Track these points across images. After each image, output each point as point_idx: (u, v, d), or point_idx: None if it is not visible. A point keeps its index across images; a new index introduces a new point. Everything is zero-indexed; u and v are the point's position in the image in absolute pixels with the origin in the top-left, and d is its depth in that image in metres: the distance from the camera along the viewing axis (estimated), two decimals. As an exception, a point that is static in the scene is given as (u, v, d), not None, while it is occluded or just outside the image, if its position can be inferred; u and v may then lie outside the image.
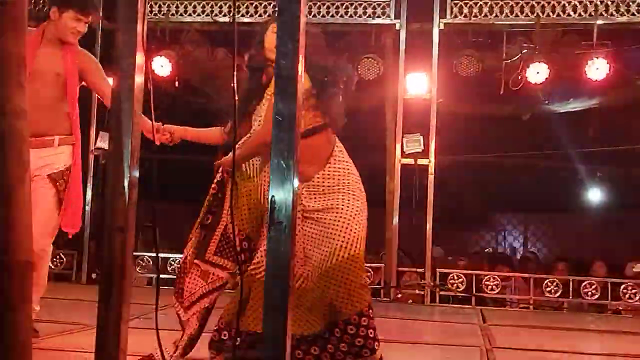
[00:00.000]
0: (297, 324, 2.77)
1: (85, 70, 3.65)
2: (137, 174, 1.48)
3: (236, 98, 2.38)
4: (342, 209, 2.91)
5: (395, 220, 6.57)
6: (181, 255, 3.10)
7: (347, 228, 2.88)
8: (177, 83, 6.89)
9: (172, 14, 6.88)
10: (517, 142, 8.87)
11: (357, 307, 2.80)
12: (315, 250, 2.89)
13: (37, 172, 3.43)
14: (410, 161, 6.58)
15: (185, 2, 6.85)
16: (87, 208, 6.69)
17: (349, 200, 2.94)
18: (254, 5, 6.81)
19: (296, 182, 1.54)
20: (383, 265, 6.64)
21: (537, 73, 6.45)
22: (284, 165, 1.52)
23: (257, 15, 6.77)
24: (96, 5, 3.64)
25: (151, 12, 6.83)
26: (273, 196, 1.52)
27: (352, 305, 2.80)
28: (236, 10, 6.82)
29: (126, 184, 1.45)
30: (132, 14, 1.47)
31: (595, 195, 10.56)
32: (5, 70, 1.19)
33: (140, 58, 1.45)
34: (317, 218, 2.91)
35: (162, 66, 6.68)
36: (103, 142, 6.58)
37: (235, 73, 2.24)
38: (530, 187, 10.00)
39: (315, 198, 2.94)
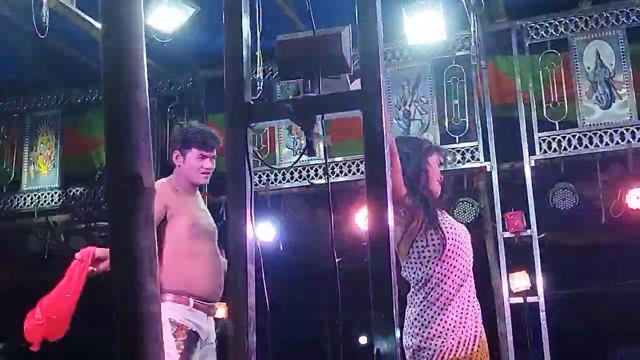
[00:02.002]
0: None
1: None
2: (254, 339, 1.65)
3: (337, 260, 2.52)
4: None
5: (512, 363, 6.40)
6: None
7: None
8: (281, 246, 7.17)
9: (272, 182, 7.29)
10: (628, 270, 8.59)
11: None
12: None
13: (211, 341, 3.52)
14: (519, 300, 6.49)
15: (283, 170, 7.26)
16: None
17: None
18: (347, 164, 7.15)
19: (398, 334, 1.66)
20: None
21: (638, 198, 6.39)
22: (386, 319, 1.65)
23: (350, 173, 7.10)
24: (217, 137, 3.66)
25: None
26: (378, 349, 1.64)
27: None
28: (330, 171, 7.17)
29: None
30: (240, 199, 1.70)
31: None
32: (139, 262, 1.41)
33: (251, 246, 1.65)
34: None
35: (266, 232, 7.02)
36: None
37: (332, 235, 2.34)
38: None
39: None
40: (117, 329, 1.43)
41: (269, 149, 7.35)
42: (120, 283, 1.44)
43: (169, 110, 7.77)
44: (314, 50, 1.82)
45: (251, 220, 1.72)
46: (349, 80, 1.92)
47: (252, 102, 1.83)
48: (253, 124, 1.84)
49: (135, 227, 1.44)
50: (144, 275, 1.41)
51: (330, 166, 7.19)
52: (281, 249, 7.19)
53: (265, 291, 1.84)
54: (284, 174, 7.31)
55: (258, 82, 6.43)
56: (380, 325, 1.62)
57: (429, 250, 3.09)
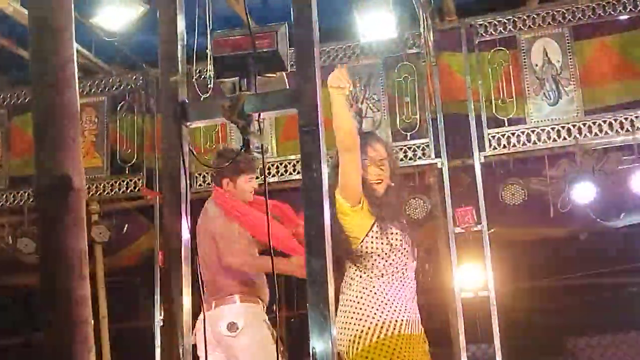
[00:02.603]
0: None
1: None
2: (189, 340, 1.64)
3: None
4: None
5: (463, 358, 6.48)
6: None
7: None
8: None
9: (209, 184, 7.24)
10: (579, 262, 8.76)
11: None
12: None
13: None
14: (471, 294, 6.57)
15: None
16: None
17: None
18: (283, 165, 7.16)
19: (334, 332, 1.66)
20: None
21: (584, 192, 6.51)
22: (321, 317, 1.65)
23: (287, 174, 7.12)
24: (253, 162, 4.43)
25: (191, 186, 7.28)
26: (314, 347, 1.64)
27: None
28: (284, 169, 7.17)
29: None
30: (175, 199, 1.68)
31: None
32: (69, 265, 1.38)
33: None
34: None
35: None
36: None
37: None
38: (600, 308, 9.73)
39: None
40: (47, 332, 1.40)
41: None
42: (49, 286, 1.42)
43: (119, 109, 7.68)
44: (249, 48, 1.82)
45: (186, 220, 1.71)
46: (286, 79, 1.92)
47: (186, 101, 1.81)
48: (188, 123, 1.82)
49: (64, 229, 1.42)
50: (74, 279, 1.39)
51: (284, 164, 7.20)
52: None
53: (202, 293, 1.82)
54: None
55: (209, 81, 6.40)
56: (316, 324, 1.62)
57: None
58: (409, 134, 6.99)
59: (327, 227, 1.69)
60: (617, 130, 6.54)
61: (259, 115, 1.80)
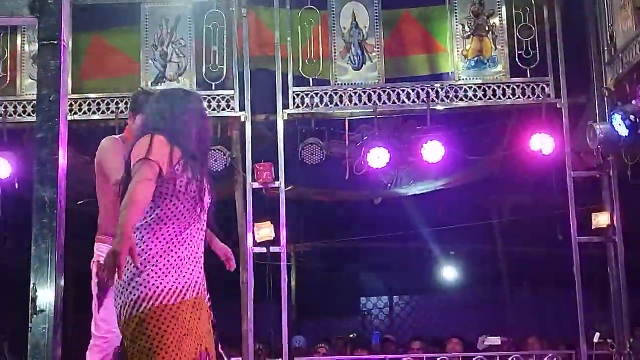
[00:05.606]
0: None
1: None
2: None
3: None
4: None
5: (251, 312, 6.50)
6: None
7: None
8: (17, 184, 6.65)
9: (10, 115, 6.72)
10: (372, 226, 9.12)
11: None
12: None
13: None
14: (263, 250, 6.60)
15: (24, 102, 6.74)
16: None
17: None
18: (96, 102, 6.80)
19: (60, 272, 1.51)
20: (241, 358, 6.52)
21: (378, 158, 6.71)
22: (46, 252, 1.50)
23: (99, 112, 6.78)
24: None
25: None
26: (35, 283, 1.49)
27: None
28: (78, 108, 6.78)
29: None
30: None
31: (449, 273, 10.93)
32: None
33: None
34: None
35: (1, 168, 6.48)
36: None
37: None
38: (390, 270, 10.25)
39: None
40: None
41: (9, 79, 6.76)
42: None
43: None
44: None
45: None
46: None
47: None
48: None
49: None
50: None
51: (78, 103, 6.80)
52: (17, 187, 6.67)
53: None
54: (24, 106, 6.77)
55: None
56: (39, 256, 1.46)
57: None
58: (214, 84, 6.84)
59: (63, 152, 1.53)
60: (414, 100, 6.77)
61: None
